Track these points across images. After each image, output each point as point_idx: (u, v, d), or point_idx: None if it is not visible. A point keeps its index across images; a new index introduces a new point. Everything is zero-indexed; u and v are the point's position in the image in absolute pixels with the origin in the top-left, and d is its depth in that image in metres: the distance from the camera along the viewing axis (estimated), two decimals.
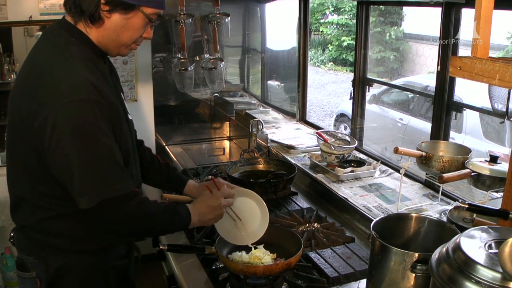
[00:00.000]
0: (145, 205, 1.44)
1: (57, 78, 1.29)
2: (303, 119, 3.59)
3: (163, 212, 1.48)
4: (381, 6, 8.54)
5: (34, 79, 1.33)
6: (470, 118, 4.73)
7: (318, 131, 2.77)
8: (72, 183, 1.29)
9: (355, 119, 3.08)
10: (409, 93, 6.18)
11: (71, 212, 1.37)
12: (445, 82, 2.26)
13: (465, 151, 2.07)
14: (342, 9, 12.25)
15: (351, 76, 3.16)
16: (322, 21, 12.81)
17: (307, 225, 2.01)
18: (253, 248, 1.72)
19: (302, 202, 2.28)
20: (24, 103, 1.32)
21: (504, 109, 1.92)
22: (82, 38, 1.38)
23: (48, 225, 1.42)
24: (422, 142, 2.17)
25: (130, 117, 1.57)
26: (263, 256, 1.67)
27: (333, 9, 12.43)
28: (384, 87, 6.44)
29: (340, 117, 7.25)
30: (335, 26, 12.65)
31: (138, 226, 1.44)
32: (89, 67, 1.35)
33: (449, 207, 1.86)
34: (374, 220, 1.49)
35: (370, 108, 6.00)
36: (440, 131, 2.32)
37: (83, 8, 1.33)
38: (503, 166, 1.85)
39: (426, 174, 2.12)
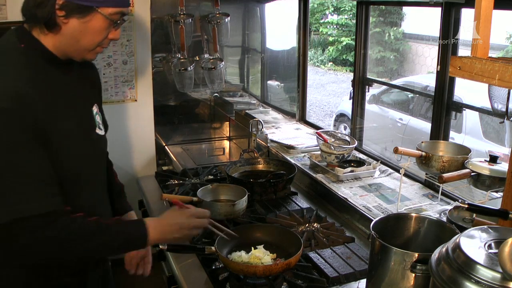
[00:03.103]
0: (68, 229, 1.25)
1: None
2: (303, 119, 3.59)
3: (101, 237, 1.31)
4: (381, 6, 8.54)
5: None
6: (470, 118, 4.73)
7: (318, 131, 2.77)
8: None
9: (355, 119, 3.08)
10: (408, 93, 6.18)
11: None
12: (444, 82, 2.26)
13: (465, 151, 2.07)
14: (342, 9, 12.26)
15: (350, 76, 3.16)
16: (322, 21, 12.82)
17: (307, 225, 2.01)
18: (253, 248, 1.72)
19: (302, 202, 2.28)
20: None
21: (504, 109, 1.92)
22: (33, 45, 1.29)
23: None
24: (422, 142, 2.17)
25: (101, 133, 1.48)
26: (263, 256, 1.67)
27: (333, 9, 12.44)
28: (384, 87, 6.44)
29: (340, 117, 7.25)
30: (334, 26, 12.66)
31: (57, 252, 1.26)
32: (28, 75, 1.25)
33: (449, 207, 1.87)
34: (374, 220, 1.49)
35: (370, 108, 6.00)
36: (439, 131, 2.32)
37: (38, 15, 1.25)
38: (502, 166, 1.85)
39: (426, 174, 2.12)
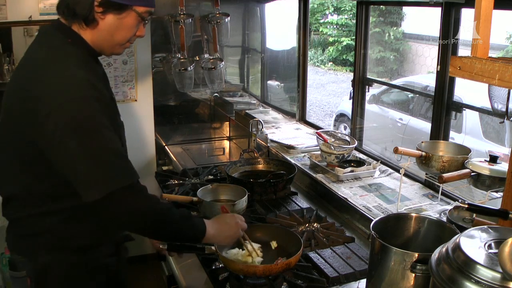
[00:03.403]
0: (156, 200, 1.45)
1: (55, 76, 1.31)
2: (303, 119, 3.59)
3: (175, 213, 1.48)
4: (381, 6, 8.54)
5: (30, 78, 1.34)
6: (470, 118, 4.73)
7: (318, 131, 2.77)
8: (78, 177, 1.31)
9: (355, 119, 3.08)
10: (408, 93, 6.18)
11: (59, 209, 1.39)
12: (444, 82, 2.26)
13: (465, 151, 2.07)
14: (342, 9, 12.26)
15: (350, 76, 3.16)
16: (322, 21, 12.81)
17: (307, 225, 2.01)
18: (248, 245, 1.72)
19: (302, 202, 2.28)
20: (22, 102, 1.33)
21: (504, 109, 1.92)
22: (77, 39, 1.40)
23: (37, 221, 1.42)
24: (422, 142, 2.17)
25: (122, 119, 1.59)
26: (254, 254, 1.68)
27: (333, 9, 12.43)
28: (384, 87, 6.44)
29: (340, 117, 7.25)
30: (334, 26, 12.65)
31: (146, 220, 1.42)
32: (85, 66, 1.37)
33: (449, 207, 1.86)
34: (374, 220, 1.49)
35: (370, 108, 6.00)
36: (439, 131, 2.32)
37: (77, 11, 1.36)
38: (502, 166, 1.85)
39: (426, 174, 2.12)
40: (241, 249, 1.71)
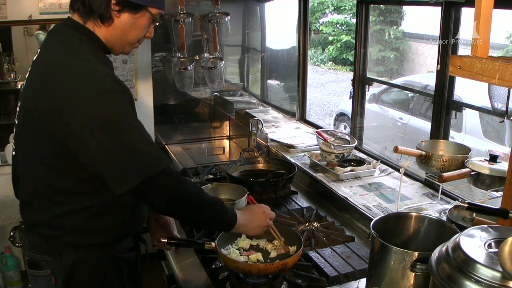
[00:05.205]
0: (189, 184, 1.50)
1: (77, 73, 1.32)
2: (303, 118, 3.59)
3: (209, 198, 1.53)
4: (381, 5, 8.53)
5: (51, 76, 1.35)
6: (470, 117, 4.73)
7: (318, 130, 2.77)
8: (111, 170, 1.33)
9: (355, 118, 3.08)
10: (409, 92, 6.18)
11: (84, 207, 1.41)
12: (444, 81, 2.26)
13: (465, 150, 2.07)
14: (342, 8, 12.25)
15: (350, 75, 3.16)
16: (322, 20, 12.81)
17: (307, 224, 2.01)
18: (239, 239, 1.75)
19: (301, 201, 2.28)
20: (44, 101, 1.33)
21: (504, 108, 1.92)
22: (92, 37, 1.43)
23: (62, 221, 1.44)
24: (422, 141, 2.17)
25: None
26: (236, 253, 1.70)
27: (333, 8, 12.43)
28: (384, 86, 6.44)
29: (340, 116, 7.25)
30: (335, 26, 12.65)
31: (180, 204, 1.46)
32: (103, 62, 1.41)
33: (449, 206, 1.87)
34: (374, 219, 1.49)
35: (370, 107, 6.00)
36: (440, 130, 2.32)
37: (93, 8, 1.38)
38: (502, 165, 1.85)
39: (426, 173, 2.12)
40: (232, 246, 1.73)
